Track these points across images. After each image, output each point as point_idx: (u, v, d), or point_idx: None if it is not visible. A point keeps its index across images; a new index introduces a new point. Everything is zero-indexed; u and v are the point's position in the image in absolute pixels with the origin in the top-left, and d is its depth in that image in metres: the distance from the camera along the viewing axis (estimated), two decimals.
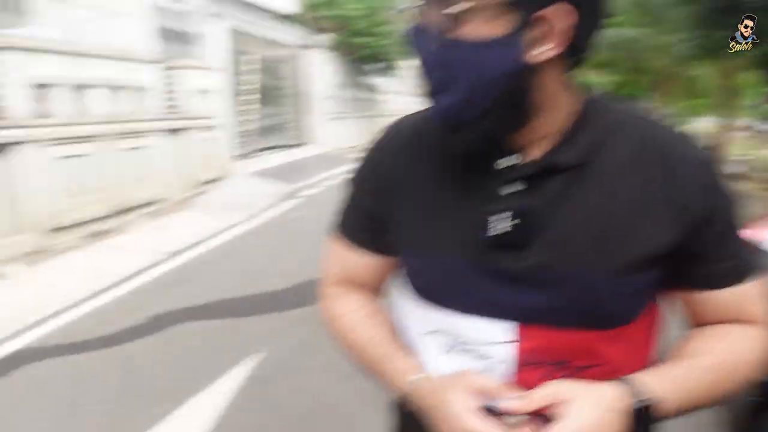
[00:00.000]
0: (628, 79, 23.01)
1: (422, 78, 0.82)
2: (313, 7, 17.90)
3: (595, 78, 28.46)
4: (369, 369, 0.97)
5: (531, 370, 0.84)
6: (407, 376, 0.89)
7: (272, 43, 14.75)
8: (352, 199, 1.01)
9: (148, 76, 8.81)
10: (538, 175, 0.82)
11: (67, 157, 7.09)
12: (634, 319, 0.85)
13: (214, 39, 10.93)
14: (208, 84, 10.72)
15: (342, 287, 1.03)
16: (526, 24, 0.73)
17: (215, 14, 10.95)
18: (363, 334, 0.97)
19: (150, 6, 9.06)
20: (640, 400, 0.77)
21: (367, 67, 21.27)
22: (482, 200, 0.83)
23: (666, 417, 0.80)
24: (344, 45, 18.52)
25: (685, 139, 0.85)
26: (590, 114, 0.84)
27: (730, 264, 0.86)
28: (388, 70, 21.83)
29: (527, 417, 0.75)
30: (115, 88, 8.06)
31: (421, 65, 0.81)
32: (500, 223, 0.81)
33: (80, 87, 7.40)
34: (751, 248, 0.90)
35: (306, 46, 17.09)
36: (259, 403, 3.33)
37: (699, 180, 0.82)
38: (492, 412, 0.77)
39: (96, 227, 7.49)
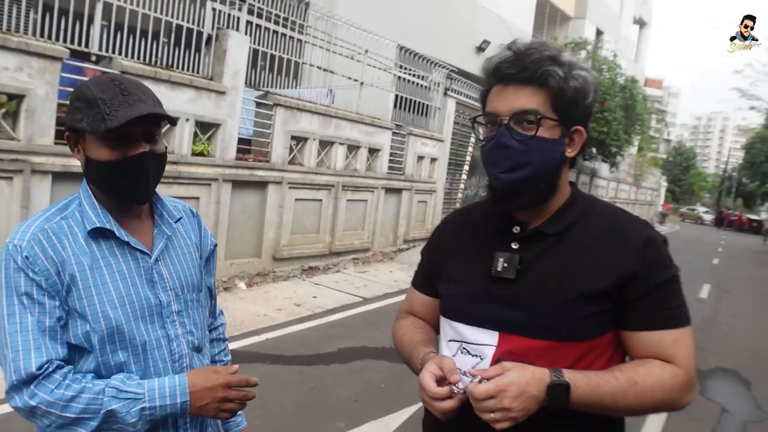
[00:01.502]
0: None
1: (499, 161, 1.27)
2: None
3: None
4: (405, 358, 1.46)
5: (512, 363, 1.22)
6: (420, 357, 1.35)
7: None
8: (421, 261, 1.59)
9: (383, 139, 10.04)
10: (531, 238, 1.31)
11: (304, 199, 8.41)
12: (583, 339, 1.25)
13: (443, 111, 11.97)
14: (433, 151, 11.77)
15: (408, 314, 1.59)
16: (567, 134, 1.28)
17: (447, 89, 12.03)
18: (407, 337, 1.48)
19: (392, 79, 10.33)
20: (556, 380, 1.16)
21: (587, 150, 21.17)
22: (494, 252, 1.32)
23: (578, 401, 1.16)
24: None
25: (638, 223, 1.31)
26: (574, 202, 1.34)
27: (658, 313, 1.24)
28: (608, 156, 21.56)
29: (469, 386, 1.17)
30: (353, 146, 9.34)
31: (503, 152, 1.26)
32: (501, 266, 1.29)
33: (326, 142, 8.76)
34: (683, 306, 1.27)
35: None
36: None
37: (638, 250, 1.24)
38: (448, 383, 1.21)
39: (310, 263, 8.69)
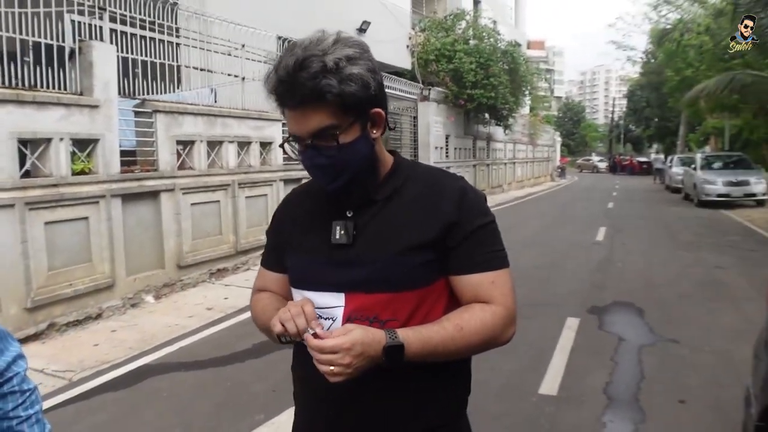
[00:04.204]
0: (753, 121, 22.46)
1: (320, 177, 1.38)
2: (426, 62, 19.01)
3: (720, 122, 27.46)
4: (264, 326, 1.50)
5: (356, 324, 1.31)
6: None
7: (390, 97, 15.82)
8: (267, 242, 1.66)
9: (274, 131, 9.98)
10: (363, 205, 1.41)
11: (200, 203, 8.29)
12: (416, 288, 1.36)
13: None
14: None
15: (261, 291, 1.63)
16: (366, 125, 1.34)
17: None
18: (260, 307, 1.55)
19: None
20: (391, 341, 1.26)
21: (480, 117, 21.98)
22: (332, 221, 1.41)
23: (413, 357, 1.27)
24: (456, 97, 19.36)
25: (453, 178, 1.46)
26: (397, 168, 1.46)
27: (475, 257, 1.37)
28: (500, 120, 22.36)
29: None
30: (244, 143, 9.25)
31: (320, 170, 1.36)
32: (339, 233, 1.40)
33: (214, 143, 8.63)
34: (499, 251, 1.40)
35: (420, 99, 18.10)
36: None
37: (455, 201, 1.38)
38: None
39: (218, 265, 8.61)
